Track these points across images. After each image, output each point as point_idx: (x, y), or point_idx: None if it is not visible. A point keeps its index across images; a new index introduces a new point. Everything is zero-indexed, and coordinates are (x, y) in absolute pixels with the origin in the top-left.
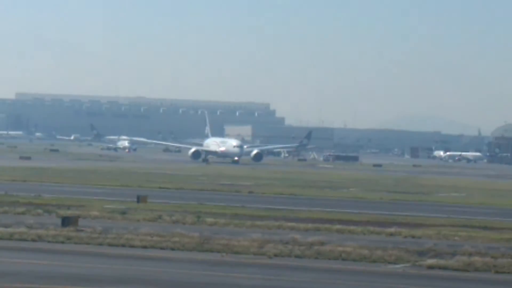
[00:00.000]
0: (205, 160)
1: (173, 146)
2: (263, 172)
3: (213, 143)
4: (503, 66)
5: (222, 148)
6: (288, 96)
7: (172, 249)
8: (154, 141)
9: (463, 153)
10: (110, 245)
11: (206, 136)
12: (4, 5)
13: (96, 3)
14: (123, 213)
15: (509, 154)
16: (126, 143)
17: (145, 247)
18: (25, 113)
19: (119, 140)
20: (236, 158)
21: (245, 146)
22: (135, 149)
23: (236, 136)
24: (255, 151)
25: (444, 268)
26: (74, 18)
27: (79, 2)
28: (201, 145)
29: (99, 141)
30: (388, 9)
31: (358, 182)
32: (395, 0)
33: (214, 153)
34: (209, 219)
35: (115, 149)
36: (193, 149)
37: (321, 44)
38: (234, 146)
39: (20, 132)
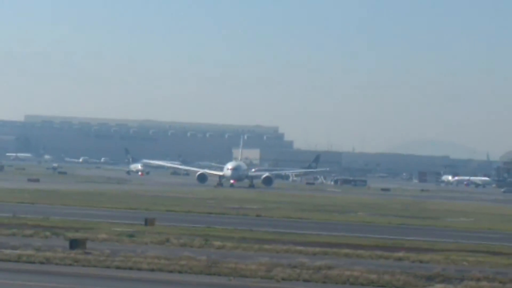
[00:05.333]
0: (220, 184)
1: (182, 169)
2: (271, 195)
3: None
4: None
5: (221, 172)
6: (296, 119)
7: (180, 272)
8: (185, 167)
9: (472, 178)
10: (117, 268)
11: (237, 160)
12: (13, 29)
13: (104, 25)
14: (131, 236)
15: None
16: (139, 166)
17: (152, 270)
18: (34, 135)
19: (131, 163)
20: (231, 181)
21: (253, 170)
22: (148, 172)
23: (244, 160)
24: (265, 175)
25: None
26: (83, 41)
27: (87, 25)
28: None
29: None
30: (396, 34)
31: (366, 206)
32: (401, 25)
33: (222, 176)
34: (217, 243)
35: (128, 172)
36: (199, 172)
37: (329, 68)
38: (228, 169)
39: (28, 154)
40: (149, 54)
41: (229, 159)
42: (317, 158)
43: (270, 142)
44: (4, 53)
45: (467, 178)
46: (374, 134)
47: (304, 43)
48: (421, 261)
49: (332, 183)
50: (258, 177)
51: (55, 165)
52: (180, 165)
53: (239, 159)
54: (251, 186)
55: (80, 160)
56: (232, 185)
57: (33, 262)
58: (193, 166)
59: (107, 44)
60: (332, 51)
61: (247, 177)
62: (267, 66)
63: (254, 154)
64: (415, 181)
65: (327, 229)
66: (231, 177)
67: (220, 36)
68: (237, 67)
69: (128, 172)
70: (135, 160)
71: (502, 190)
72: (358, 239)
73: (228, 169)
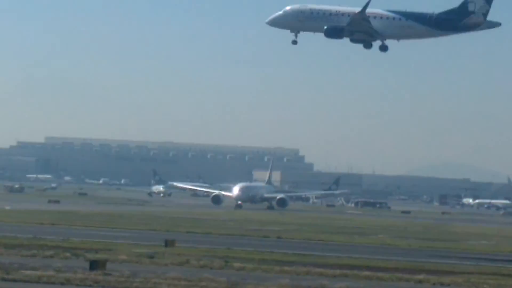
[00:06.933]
0: (238, 206)
1: (202, 191)
2: (291, 217)
3: None
4: None
5: (230, 193)
6: (317, 142)
7: None
8: (212, 190)
9: (493, 201)
10: None
11: (269, 182)
12: (32, 50)
13: (122, 47)
14: (151, 257)
15: None
16: (161, 188)
17: None
18: (54, 157)
19: (156, 184)
20: (239, 202)
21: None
22: (169, 194)
23: (268, 182)
24: (279, 196)
25: None
26: (103, 63)
27: (107, 46)
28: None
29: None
30: (415, 54)
31: (387, 229)
32: (420, 46)
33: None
34: (237, 264)
35: (150, 193)
36: (213, 194)
37: (350, 90)
38: (236, 190)
39: (49, 176)
40: (168, 76)
41: (250, 181)
42: (337, 180)
43: (291, 164)
44: (24, 76)
45: (487, 201)
46: (395, 157)
47: (323, 65)
48: (442, 284)
49: (353, 205)
50: (275, 199)
51: (53, 185)
52: (208, 187)
53: (266, 181)
54: (270, 207)
55: (101, 181)
56: (239, 206)
57: (54, 283)
58: (215, 188)
59: (126, 66)
60: (352, 72)
61: (266, 199)
62: (288, 88)
63: (274, 176)
64: (436, 203)
65: (348, 251)
66: (237, 198)
67: (239, 58)
68: (257, 89)
69: (150, 194)
70: (163, 182)
71: (501, 212)
72: (378, 261)
73: (235, 190)
